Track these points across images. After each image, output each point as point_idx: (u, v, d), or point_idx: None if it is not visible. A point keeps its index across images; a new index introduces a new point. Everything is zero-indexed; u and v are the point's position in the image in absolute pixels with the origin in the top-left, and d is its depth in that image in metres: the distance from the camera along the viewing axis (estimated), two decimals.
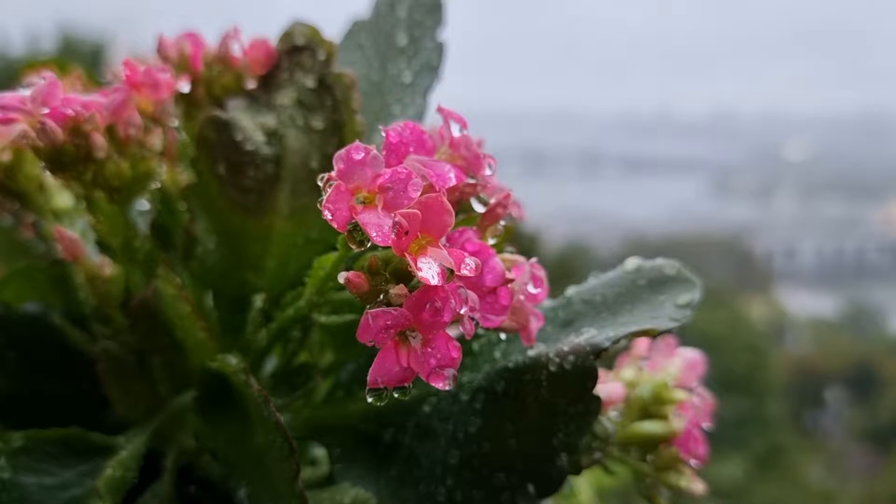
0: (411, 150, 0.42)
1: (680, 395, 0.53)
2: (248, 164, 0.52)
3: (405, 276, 0.38)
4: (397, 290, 0.38)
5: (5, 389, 0.56)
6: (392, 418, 0.50)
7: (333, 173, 0.38)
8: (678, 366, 0.55)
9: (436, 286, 0.37)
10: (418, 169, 0.39)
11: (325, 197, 0.37)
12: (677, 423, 0.52)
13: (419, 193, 0.38)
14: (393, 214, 0.37)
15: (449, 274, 0.37)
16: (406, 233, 0.37)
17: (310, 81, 0.54)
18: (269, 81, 0.55)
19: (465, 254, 0.38)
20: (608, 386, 0.53)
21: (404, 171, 0.38)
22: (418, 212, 0.37)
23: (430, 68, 0.61)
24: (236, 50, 0.55)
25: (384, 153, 0.40)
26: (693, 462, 0.52)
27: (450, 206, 0.38)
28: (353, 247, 0.38)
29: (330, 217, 0.37)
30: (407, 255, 0.37)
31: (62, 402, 0.57)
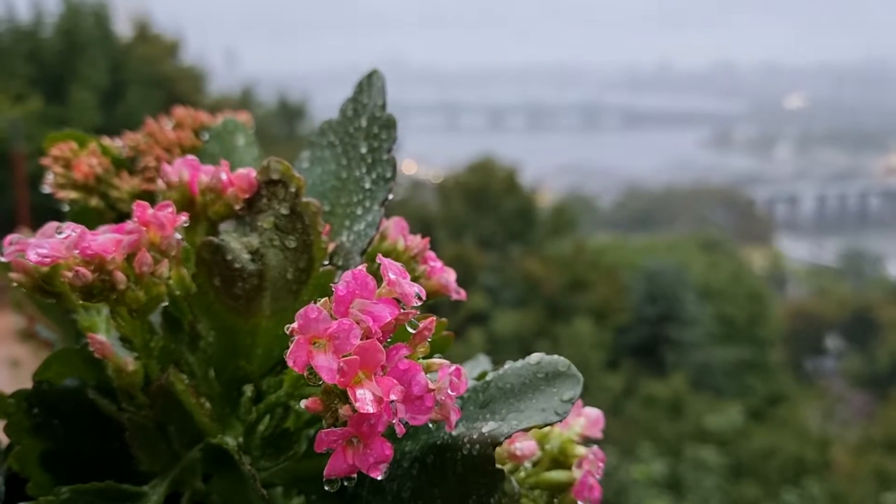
0: (357, 293, 0.56)
1: (580, 450, 0.67)
2: (237, 278, 0.66)
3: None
4: (344, 410, 0.52)
5: (53, 450, 0.71)
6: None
7: (296, 326, 0.52)
8: (582, 424, 0.69)
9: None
10: (359, 317, 0.53)
11: (289, 349, 0.51)
12: (577, 473, 0.67)
13: (359, 339, 0.52)
14: (338, 359, 0.51)
15: (380, 400, 0.51)
16: (347, 373, 0.51)
17: (284, 209, 0.67)
18: (252, 205, 0.69)
19: (395, 381, 0.53)
20: (525, 443, 0.67)
21: (347, 323, 0.52)
22: (358, 357, 0.51)
23: (385, 180, 0.73)
24: (224, 179, 0.69)
25: (334, 304, 0.54)
26: None
27: (382, 349, 0.52)
28: (311, 384, 0.52)
29: (292, 363, 0.51)
30: (348, 388, 0.51)
31: (98, 459, 0.72)
